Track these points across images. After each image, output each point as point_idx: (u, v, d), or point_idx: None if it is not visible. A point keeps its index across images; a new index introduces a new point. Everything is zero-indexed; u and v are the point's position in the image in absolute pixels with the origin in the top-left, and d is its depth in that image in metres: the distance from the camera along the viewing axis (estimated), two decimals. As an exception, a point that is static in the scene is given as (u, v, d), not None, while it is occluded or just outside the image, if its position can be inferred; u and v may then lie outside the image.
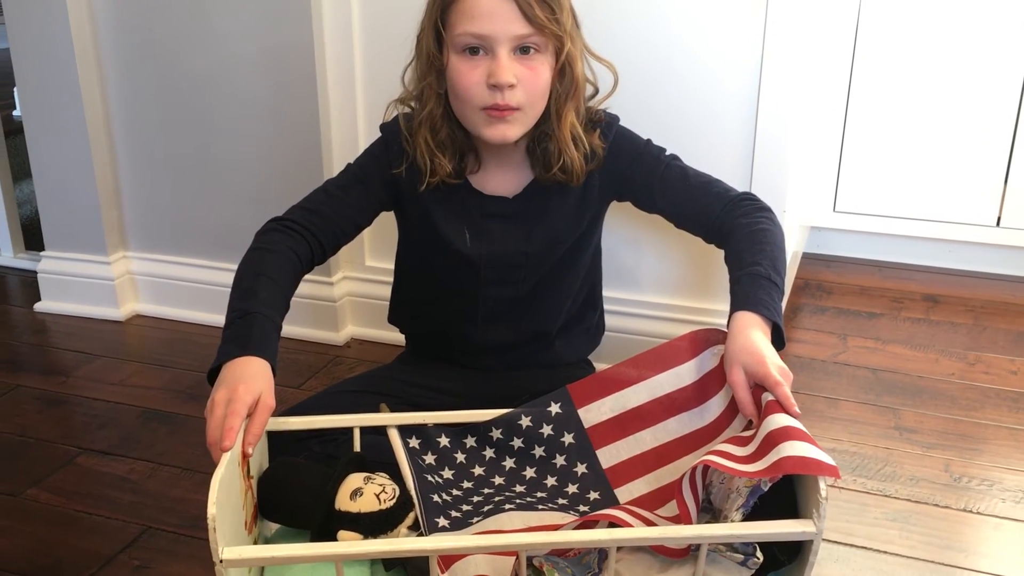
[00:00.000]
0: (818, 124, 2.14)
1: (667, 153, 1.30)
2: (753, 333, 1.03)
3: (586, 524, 0.94)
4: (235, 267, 1.15)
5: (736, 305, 1.08)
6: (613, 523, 0.91)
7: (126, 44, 1.87)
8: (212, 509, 0.82)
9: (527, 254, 1.29)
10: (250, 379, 0.97)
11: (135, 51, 1.87)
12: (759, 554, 0.90)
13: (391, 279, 1.46)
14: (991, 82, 2.08)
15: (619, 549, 0.91)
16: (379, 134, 1.31)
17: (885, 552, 1.26)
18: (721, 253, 1.23)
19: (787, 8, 1.47)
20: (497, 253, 1.28)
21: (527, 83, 1.16)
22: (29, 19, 1.86)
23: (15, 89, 2.48)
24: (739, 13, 1.51)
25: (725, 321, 1.09)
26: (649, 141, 1.30)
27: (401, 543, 0.89)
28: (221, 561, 0.83)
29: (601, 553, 0.92)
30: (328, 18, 1.72)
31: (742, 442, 0.93)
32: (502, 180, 1.28)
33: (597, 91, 1.29)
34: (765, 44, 1.50)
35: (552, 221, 1.28)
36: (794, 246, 2.01)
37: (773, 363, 0.98)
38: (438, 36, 1.18)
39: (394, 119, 1.29)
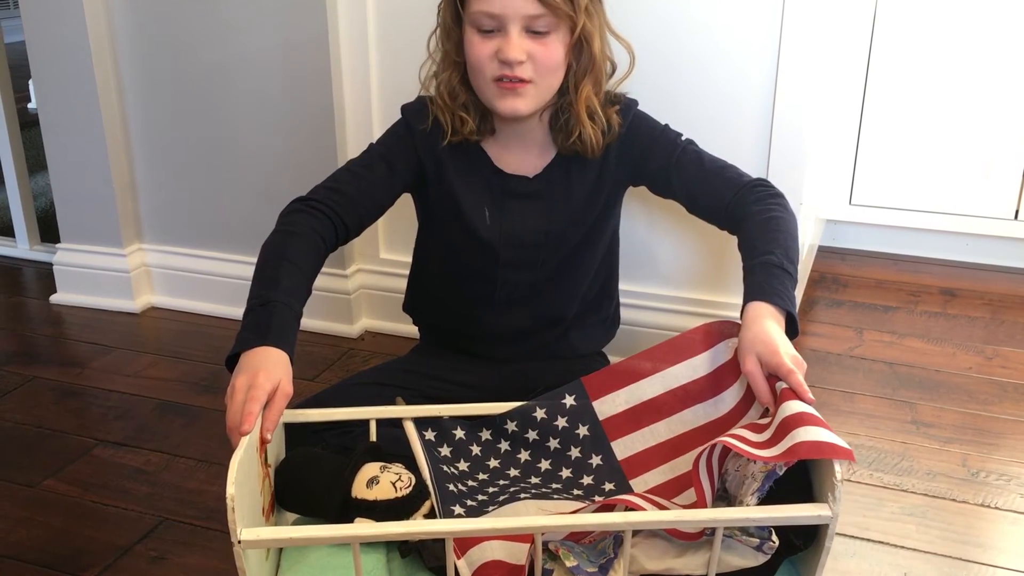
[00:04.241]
0: (835, 117, 2.12)
1: (684, 138, 1.30)
2: (767, 323, 1.03)
3: (602, 509, 0.94)
4: (250, 259, 1.15)
5: (749, 295, 1.08)
6: (628, 508, 0.91)
7: (141, 37, 1.87)
8: (231, 489, 0.82)
9: (547, 233, 1.29)
10: (269, 367, 0.98)
11: (150, 44, 1.87)
12: (774, 538, 0.90)
13: (406, 272, 1.46)
14: (1008, 75, 2.06)
15: (634, 534, 0.91)
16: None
17: (902, 547, 1.26)
18: (735, 245, 1.22)
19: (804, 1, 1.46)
20: (517, 232, 1.29)
21: (538, 59, 1.17)
22: (45, 12, 1.87)
23: (31, 82, 2.49)
24: (757, 3, 1.50)
25: (739, 313, 1.09)
26: (667, 126, 1.30)
27: (418, 525, 0.89)
28: (239, 542, 0.83)
29: (616, 538, 0.92)
30: (343, 11, 1.72)
31: (758, 428, 0.93)
32: (523, 159, 1.29)
33: (615, 68, 1.28)
34: (783, 35, 1.49)
35: (572, 201, 1.29)
36: (810, 239, 2.00)
37: (786, 352, 0.98)
38: (456, 10, 1.21)
39: (416, 100, 1.30)
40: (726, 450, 0.93)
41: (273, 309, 1.05)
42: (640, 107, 1.31)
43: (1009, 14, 2.03)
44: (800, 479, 0.92)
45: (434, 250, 1.39)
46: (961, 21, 2.06)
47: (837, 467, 0.85)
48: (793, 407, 0.90)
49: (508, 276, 1.31)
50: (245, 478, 0.86)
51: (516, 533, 0.90)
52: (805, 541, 0.92)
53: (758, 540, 0.89)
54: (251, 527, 0.85)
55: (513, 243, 1.29)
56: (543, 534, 0.88)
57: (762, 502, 0.90)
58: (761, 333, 1.01)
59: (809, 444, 0.85)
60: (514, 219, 1.29)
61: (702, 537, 0.91)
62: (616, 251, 1.41)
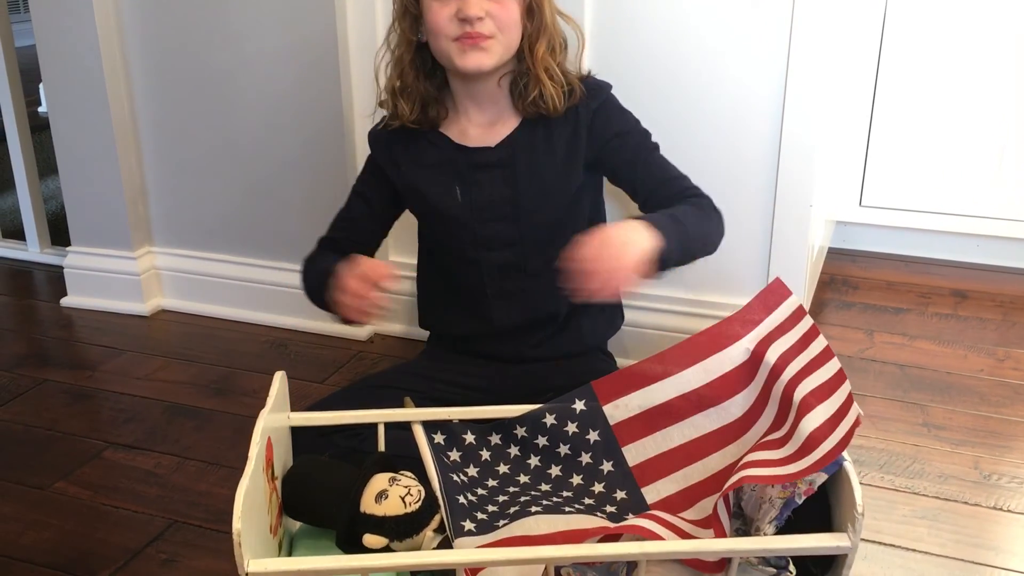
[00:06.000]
0: (845, 118, 2.11)
1: (652, 139, 1.33)
2: (634, 229, 1.09)
3: (615, 533, 0.93)
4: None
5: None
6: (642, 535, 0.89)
7: (151, 40, 1.88)
8: (237, 524, 0.81)
9: (515, 204, 1.31)
10: (344, 271, 1.15)
11: (160, 47, 1.88)
12: (792, 567, 0.89)
13: (414, 274, 1.47)
14: (1018, 76, 2.05)
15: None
16: None
17: (914, 550, 1.25)
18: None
19: (815, 1, 1.46)
20: (486, 205, 1.31)
21: (496, 15, 1.22)
22: (55, 16, 1.87)
23: (41, 85, 2.50)
24: (767, 5, 1.49)
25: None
26: (638, 121, 1.33)
27: (429, 555, 0.89)
28: (247, 574, 0.82)
29: (630, 562, 0.91)
30: (352, 13, 1.71)
31: (776, 445, 0.91)
32: (486, 131, 1.31)
33: (567, 43, 1.31)
34: (792, 36, 1.49)
35: (539, 169, 1.30)
36: (820, 241, 1.99)
37: (631, 259, 1.06)
38: None
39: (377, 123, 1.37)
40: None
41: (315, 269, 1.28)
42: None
43: (1018, 16, 2.01)
44: (819, 506, 0.91)
45: (426, 251, 1.43)
46: (971, 23, 2.05)
47: (858, 498, 0.84)
48: (817, 418, 0.89)
49: (488, 256, 1.32)
50: (252, 506, 0.86)
51: (529, 564, 0.90)
52: (823, 569, 0.91)
53: (775, 569, 0.89)
54: (258, 552, 0.85)
55: (485, 217, 1.31)
56: None
57: (781, 531, 0.89)
58: (621, 230, 1.09)
59: (832, 451, 0.84)
60: (482, 191, 1.31)
61: (721, 568, 0.89)
62: None
